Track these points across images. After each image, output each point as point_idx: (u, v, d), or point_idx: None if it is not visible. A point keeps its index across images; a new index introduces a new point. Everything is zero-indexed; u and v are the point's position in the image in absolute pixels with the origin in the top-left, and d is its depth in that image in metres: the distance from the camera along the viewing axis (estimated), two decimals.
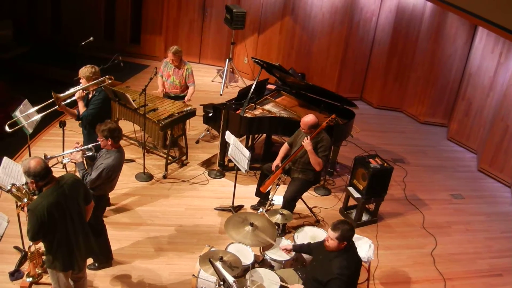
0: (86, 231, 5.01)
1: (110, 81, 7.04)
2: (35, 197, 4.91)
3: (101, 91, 6.97)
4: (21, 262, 6.05)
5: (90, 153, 5.95)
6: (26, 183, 4.94)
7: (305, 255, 5.91)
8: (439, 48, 11.15)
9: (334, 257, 4.92)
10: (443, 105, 11.66)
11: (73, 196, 4.75)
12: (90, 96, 6.97)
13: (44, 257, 5.30)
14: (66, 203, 4.66)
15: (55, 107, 6.78)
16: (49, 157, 5.46)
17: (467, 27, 10.79)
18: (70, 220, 4.73)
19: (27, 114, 6.91)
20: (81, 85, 6.90)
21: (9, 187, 5.13)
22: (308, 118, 6.86)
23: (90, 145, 5.96)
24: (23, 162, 4.59)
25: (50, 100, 6.74)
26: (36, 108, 6.99)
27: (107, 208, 6.97)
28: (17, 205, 5.37)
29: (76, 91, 6.84)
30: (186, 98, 8.71)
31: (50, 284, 5.21)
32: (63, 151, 7.14)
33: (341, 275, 4.78)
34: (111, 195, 6.43)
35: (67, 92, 6.78)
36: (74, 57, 10.33)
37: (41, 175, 4.52)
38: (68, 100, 6.84)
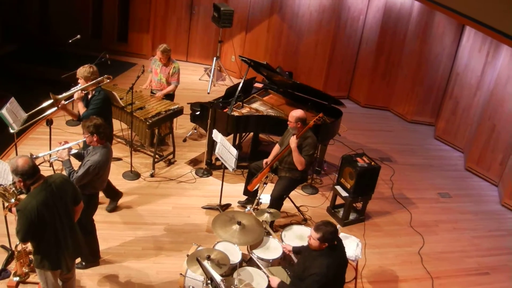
0: (74, 231, 4.97)
1: (108, 81, 7.00)
2: (22, 196, 4.86)
3: (100, 90, 6.87)
4: (7, 261, 5.99)
5: (76, 151, 5.90)
6: (14, 182, 4.89)
7: (293, 255, 5.91)
8: (427, 47, 11.20)
9: (317, 256, 4.94)
10: (430, 104, 11.71)
11: (61, 196, 4.70)
12: (90, 96, 6.89)
13: (31, 256, 5.27)
14: (55, 202, 4.62)
15: (55, 108, 6.73)
16: (34, 156, 5.39)
17: (455, 26, 10.84)
18: (58, 220, 4.69)
19: (13, 113, 6.85)
20: (79, 85, 6.84)
21: None
22: (296, 111, 6.93)
23: (75, 142, 5.91)
24: (11, 161, 4.53)
25: (48, 102, 6.70)
26: (35, 110, 6.96)
27: None
28: (3, 206, 5.32)
29: (74, 92, 6.78)
30: (158, 94, 8.67)
31: (37, 283, 5.18)
32: (50, 149, 7.09)
33: (317, 275, 4.81)
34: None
35: (66, 93, 6.73)
36: (61, 56, 10.29)
37: (29, 174, 4.48)
38: (67, 101, 6.81)
